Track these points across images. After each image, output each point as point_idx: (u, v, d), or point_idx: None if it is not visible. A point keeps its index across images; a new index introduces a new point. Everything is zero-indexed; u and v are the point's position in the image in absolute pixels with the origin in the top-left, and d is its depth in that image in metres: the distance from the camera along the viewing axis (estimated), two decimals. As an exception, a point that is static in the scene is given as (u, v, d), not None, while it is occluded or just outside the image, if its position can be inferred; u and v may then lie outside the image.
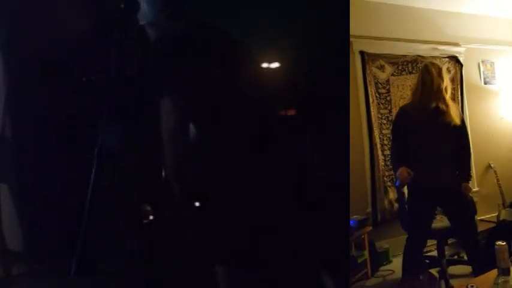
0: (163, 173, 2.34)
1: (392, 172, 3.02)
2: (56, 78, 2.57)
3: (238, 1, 2.57)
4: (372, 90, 3.05)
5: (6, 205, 2.55)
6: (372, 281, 2.78)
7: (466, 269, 2.58)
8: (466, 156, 2.42)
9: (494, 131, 3.57)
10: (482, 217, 3.10)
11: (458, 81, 3.38)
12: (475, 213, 2.55)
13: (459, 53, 3.39)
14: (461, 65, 3.39)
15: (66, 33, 2.59)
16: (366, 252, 2.80)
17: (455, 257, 2.84)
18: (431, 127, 2.29)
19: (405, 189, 2.55)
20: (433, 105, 2.28)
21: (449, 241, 2.83)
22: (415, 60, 3.19)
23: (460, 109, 3.32)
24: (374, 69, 3.06)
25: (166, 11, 1.72)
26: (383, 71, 3.10)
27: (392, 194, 3.07)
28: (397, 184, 2.36)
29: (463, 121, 2.42)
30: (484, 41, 3.53)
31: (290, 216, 1.64)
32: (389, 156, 3.05)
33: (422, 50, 3.23)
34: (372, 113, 3.04)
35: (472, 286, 1.49)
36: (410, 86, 3.12)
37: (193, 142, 1.61)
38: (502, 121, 3.61)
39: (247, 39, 1.78)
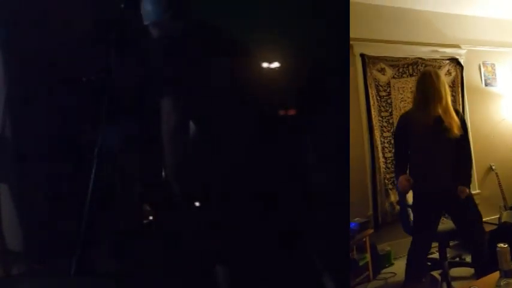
0: (163, 173, 2.34)
1: (393, 175, 3.03)
2: (56, 78, 2.58)
3: (238, 3, 2.57)
4: (372, 92, 3.05)
5: (6, 205, 2.54)
6: (374, 283, 2.78)
7: (468, 271, 2.58)
8: (466, 161, 2.41)
9: (495, 133, 3.57)
10: (484, 219, 3.08)
11: (459, 83, 3.38)
12: (480, 216, 2.53)
13: (460, 55, 3.39)
14: (462, 67, 3.39)
15: (67, 33, 2.59)
16: (368, 255, 2.79)
17: (457, 259, 2.84)
18: (432, 134, 2.29)
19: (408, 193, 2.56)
20: (434, 113, 2.28)
21: (451, 243, 2.82)
22: (416, 62, 3.19)
23: (461, 111, 3.33)
24: (375, 72, 3.06)
25: (170, 11, 1.72)
26: (384, 74, 3.10)
27: (394, 197, 3.06)
28: (398, 191, 2.38)
29: (464, 128, 2.41)
30: (484, 43, 3.53)
31: (290, 218, 1.64)
32: (390, 158, 3.05)
33: (423, 52, 3.23)
34: (373, 116, 3.04)
35: (474, 288, 1.48)
36: (411, 88, 3.12)
37: (194, 142, 1.61)
38: (503, 123, 3.61)
39: (248, 40, 1.79)
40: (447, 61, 3.33)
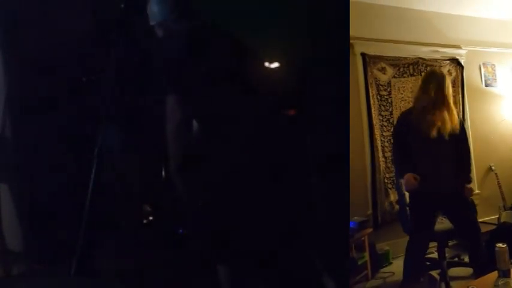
0: (163, 173, 2.34)
1: (393, 174, 3.02)
2: (56, 78, 2.58)
3: (240, 3, 2.58)
4: (373, 92, 3.05)
5: (6, 205, 2.55)
6: (372, 282, 2.78)
7: (467, 271, 2.59)
8: (466, 159, 2.43)
9: (495, 133, 3.57)
10: (483, 219, 3.09)
11: (459, 84, 3.38)
12: (476, 214, 2.55)
13: (460, 55, 3.39)
14: (462, 68, 3.39)
15: (67, 32, 2.59)
16: (366, 254, 2.79)
17: (456, 259, 2.84)
18: (432, 133, 2.29)
19: (406, 192, 2.57)
20: (439, 113, 2.28)
21: (450, 243, 2.82)
22: (417, 62, 3.19)
23: (461, 112, 3.34)
24: (375, 71, 3.06)
25: (176, 12, 1.75)
26: (384, 73, 3.10)
27: (393, 196, 3.07)
28: (406, 189, 2.36)
29: (462, 125, 2.42)
30: (485, 44, 3.53)
31: (291, 217, 1.64)
32: (390, 158, 3.05)
33: (424, 52, 3.23)
34: (373, 115, 3.04)
35: (473, 288, 1.49)
36: (411, 88, 3.12)
37: (197, 140, 1.61)
38: (503, 123, 3.61)
39: (249, 40, 1.80)
40: (447, 61, 3.33)
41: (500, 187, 3.29)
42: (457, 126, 2.33)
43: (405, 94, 3.14)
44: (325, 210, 1.85)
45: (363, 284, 2.73)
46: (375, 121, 3.05)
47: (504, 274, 1.66)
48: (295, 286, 1.71)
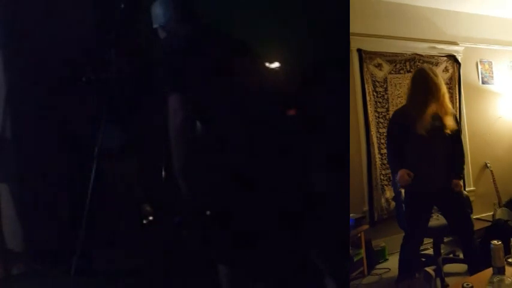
0: (163, 173, 2.34)
1: (389, 171, 3.02)
2: (56, 78, 2.57)
3: (240, 2, 2.58)
4: (369, 88, 3.04)
5: (6, 205, 2.54)
6: (368, 279, 2.79)
7: (462, 267, 2.60)
8: (459, 156, 2.43)
9: (491, 130, 3.58)
10: (478, 216, 3.10)
11: (456, 81, 3.38)
12: (471, 211, 2.56)
13: (457, 52, 3.39)
14: (459, 64, 3.39)
15: (68, 32, 2.59)
16: (363, 251, 2.80)
17: (451, 255, 2.85)
18: (428, 131, 2.29)
19: (402, 188, 2.57)
20: (430, 110, 2.28)
21: (445, 239, 2.83)
22: (413, 58, 3.18)
23: (458, 109, 3.34)
24: (371, 67, 3.05)
25: (178, 14, 1.79)
26: (380, 69, 3.09)
27: (389, 193, 3.07)
28: (398, 186, 2.37)
29: (456, 121, 2.43)
30: (482, 41, 3.53)
31: (291, 216, 1.65)
32: (386, 155, 3.05)
33: (421, 48, 3.22)
34: (369, 112, 3.04)
35: (468, 284, 1.49)
36: (407, 84, 3.11)
37: (200, 139, 1.62)
38: (499, 121, 3.61)
39: (249, 40, 1.83)
40: (444, 58, 3.32)
41: (495, 184, 3.30)
42: (451, 123, 2.33)
43: (402, 91, 3.13)
44: (325, 209, 1.85)
45: (359, 281, 2.74)
46: (371, 118, 3.05)
47: (499, 271, 1.66)
48: (295, 285, 1.72)
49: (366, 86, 3.02)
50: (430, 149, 2.33)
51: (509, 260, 1.74)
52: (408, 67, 3.17)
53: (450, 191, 2.35)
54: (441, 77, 2.39)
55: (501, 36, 3.59)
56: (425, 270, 2.54)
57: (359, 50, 2.98)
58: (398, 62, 3.15)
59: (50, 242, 2.51)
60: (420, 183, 2.28)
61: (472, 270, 2.31)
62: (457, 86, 3.38)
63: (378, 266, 2.93)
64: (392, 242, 2.97)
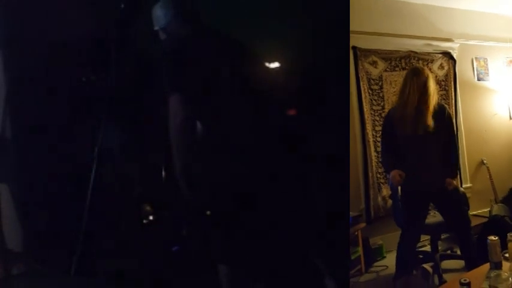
0: (163, 173, 2.33)
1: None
2: (57, 77, 2.57)
3: (240, 5, 2.59)
4: (364, 86, 3.04)
5: (6, 205, 2.53)
6: (366, 276, 2.79)
7: (459, 263, 2.60)
8: (453, 155, 2.44)
9: (487, 127, 3.58)
10: (475, 212, 3.11)
11: (451, 78, 3.38)
12: (468, 208, 2.56)
13: (452, 49, 3.39)
14: (455, 61, 3.39)
15: (68, 32, 2.58)
16: (360, 249, 2.80)
17: (449, 251, 2.86)
18: (417, 129, 2.30)
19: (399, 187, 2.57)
20: (419, 108, 2.29)
21: (443, 236, 2.84)
22: (408, 56, 3.18)
23: (454, 106, 3.34)
24: (366, 65, 3.04)
25: (179, 16, 1.81)
26: (376, 67, 3.08)
27: (386, 191, 3.07)
28: (391, 185, 2.38)
29: (449, 119, 2.42)
30: (477, 37, 3.53)
31: (292, 217, 1.65)
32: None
33: (416, 45, 3.21)
34: (365, 110, 3.03)
35: (465, 280, 1.49)
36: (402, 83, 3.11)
37: (200, 140, 1.62)
38: (495, 118, 3.62)
39: (249, 40, 1.84)
40: (440, 55, 3.32)
41: (491, 181, 3.31)
42: (444, 121, 2.34)
43: (397, 88, 3.11)
44: (325, 208, 1.86)
45: (357, 278, 2.73)
46: (367, 116, 3.04)
47: (496, 266, 1.67)
48: (295, 284, 1.72)
49: (361, 83, 3.01)
50: (424, 147, 2.33)
51: (506, 255, 1.74)
52: (403, 64, 3.16)
53: (446, 189, 2.35)
54: (432, 77, 2.39)
55: (496, 32, 3.59)
56: (423, 267, 2.55)
57: (354, 48, 2.97)
58: (394, 59, 3.15)
59: (50, 242, 2.51)
60: (415, 182, 2.29)
61: (469, 266, 2.31)
62: (452, 83, 3.38)
63: (376, 264, 2.93)
64: (389, 239, 2.97)
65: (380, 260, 2.97)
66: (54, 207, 2.58)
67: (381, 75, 3.11)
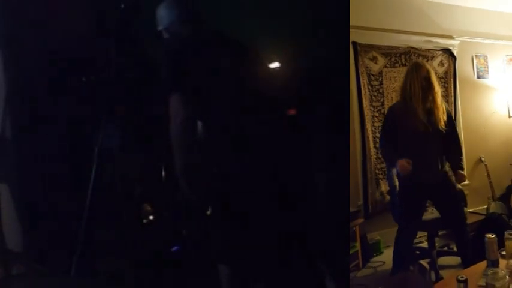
0: (163, 172, 2.33)
1: (384, 165, 3.03)
2: (57, 77, 2.56)
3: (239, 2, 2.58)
4: (364, 82, 3.03)
5: (6, 205, 2.53)
6: (363, 272, 2.80)
7: (456, 260, 2.61)
8: (455, 146, 2.45)
9: (486, 125, 3.58)
10: (472, 209, 3.12)
11: (451, 75, 3.38)
12: (465, 205, 2.57)
13: (453, 46, 3.38)
14: (455, 58, 3.38)
15: (68, 32, 2.58)
16: (357, 244, 2.81)
17: (446, 248, 2.87)
18: (421, 125, 2.30)
19: (397, 182, 2.57)
20: (425, 105, 2.29)
21: (440, 232, 2.85)
22: (408, 52, 3.17)
23: (453, 103, 3.34)
24: (366, 61, 3.04)
25: (182, 16, 1.81)
26: (376, 63, 3.08)
27: (384, 187, 3.07)
28: (401, 174, 2.36)
29: (449, 115, 2.43)
30: (477, 35, 3.53)
31: (293, 214, 1.65)
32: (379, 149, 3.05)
33: (416, 41, 3.21)
34: (364, 106, 3.03)
35: (462, 277, 1.50)
36: (403, 78, 3.11)
37: (200, 139, 1.62)
38: (494, 115, 3.62)
39: (250, 39, 1.85)
40: (440, 52, 3.32)
41: (489, 178, 3.32)
42: (444, 117, 2.34)
43: (397, 84, 3.12)
44: (326, 207, 1.86)
45: (354, 273, 2.75)
46: (366, 112, 3.04)
47: (493, 264, 1.67)
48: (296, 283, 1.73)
49: (361, 79, 3.01)
50: (424, 142, 2.33)
51: (503, 252, 1.75)
52: (403, 60, 3.16)
53: (445, 185, 2.36)
54: (433, 74, 2.39)
55: (497, 30, 3.59)
56: (420, 263, 2.56)
57: (354, 43, 2.96)
58: (394, 55, 3.14)
59: (50, 242, 2.51)
60: (415, 176, 2.29)
61: (465, 263, 2.32)
62: (452, 80, 3.38)
63: (373, 259, 2.94)
64: (387, 235, 2.98)
65: (377, 255, 2.99)
66: (54, 207, 2.58)
67: (381, 71, 3.11)
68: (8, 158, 2.55)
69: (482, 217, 2.99)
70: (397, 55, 3.15)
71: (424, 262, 2.58)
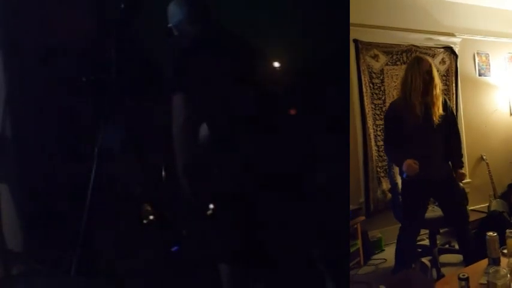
0: (163, 172, 2.34)
1: (385, 163, 3.03)
2: (56, 77, 2.56)
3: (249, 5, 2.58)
4: (365, 79, 3.02)
5: (6, 205, 2.54)
6: (365, 269, 2.80)
7: (457, 257, 2.61)
8: (456, 144, 2.44)
9: (487, 123, 3.58)
10: (474, 207, 3.12)
11: (453, 73, 3.37)
12: (467, 203, 2.57)
13: (454, 43, 3.38)
14: (457, 56, 3.38)
15: (68, 32, 2.57)
16: (359, 242, 2.81)
17: (447, 246, 2.87)
18: (422, 121, 2.29)
19: (398, 180, 2.57)
20: (423, 100, 2.28)
21: (441, 230, 2.85)
22: (410, 49, 3.16)
23: (454, 101, 3.34)
24: (368, 59, 3.03)
25: (190, 16, 1.80)
26: (377, 61, 3.07)
27: (385, 185, 3.08)
28: (404, 176, 2.35)
29: (451, 111, 2.42)
30: (479, 32, 3.52)
31: (292, 210, 1.65)
32: (382, 147, 3.05)
33: (417, 39, 3.20)
34: (366, 103, 3.03)
35: (464, 275, 1.50)
36: (404, 72, 3.10)
37: (203, 139, 1.63)
38: (495, 113, 3.62)
39: (253, 39, 1.85)
40: (441, 49, 3.31)
41: (491, 176, 3.32)
42: (447, 113, 2.34)
43: (398, 82, 3.10)
44: (326, 206, 1.86)
45: (356, 271, 2.75)
46: (368, 110, 3.04)
47: (494, 262, 1.67)
48: (296, 276, 1.73)
49: (363, 77, 3.00)
50: (426, 139, 2.33)
51: (504, 251, 1.75)
52: (405, 58, 3.15)
53: (447, 182, 2.36)
54: (434, 69, 2.37)
55: (498, 28, 3.58)
56: (421, 261, 2.57)
57: (355, 41, 2.96)
58: (395, 53, 3.13)
59: (50, 242, 2.51)
60: (418, 174, 2.28)
61: (467, 261, 2.32)
62: (453, 78, 3.37)
63: (374, 257, 2.95)
64: (388, 233, 2.99)
65: (379, 253, 2.99)
66: (54, 207, 2.59)
67: (382, 69, 3.10)
68: (8, 158, 2.55)
69: (483, 215, 2.99)
70: (398, 53, 3.14)
71: (426, 260, 2.58)
